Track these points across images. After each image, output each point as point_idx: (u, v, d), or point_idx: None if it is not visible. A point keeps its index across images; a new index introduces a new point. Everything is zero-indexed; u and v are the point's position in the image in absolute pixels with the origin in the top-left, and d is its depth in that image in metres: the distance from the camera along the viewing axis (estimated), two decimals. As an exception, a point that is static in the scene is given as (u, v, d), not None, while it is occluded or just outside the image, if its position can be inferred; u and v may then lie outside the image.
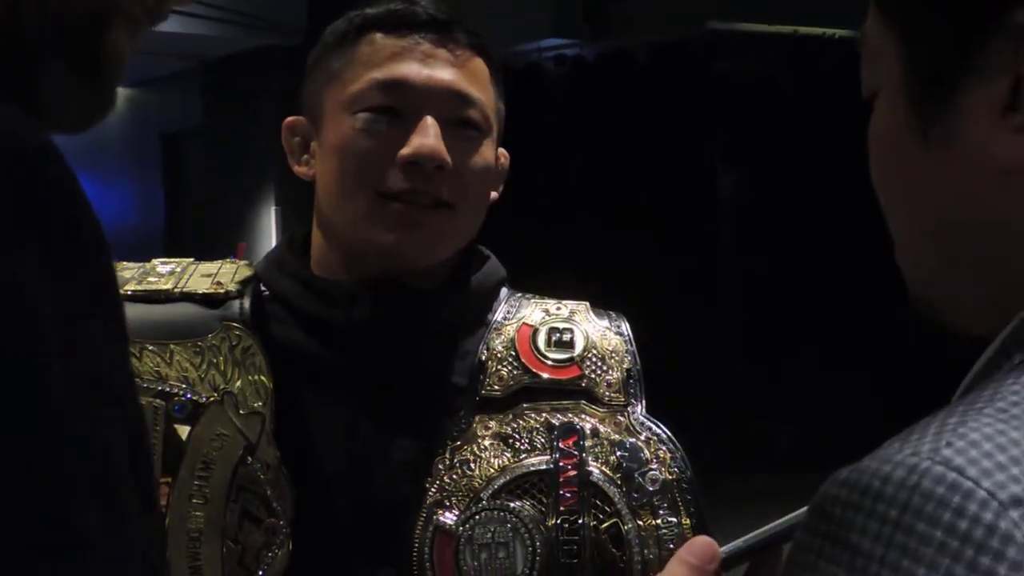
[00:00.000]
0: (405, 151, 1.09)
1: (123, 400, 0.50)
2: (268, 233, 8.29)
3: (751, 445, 7.16)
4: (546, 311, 1.18)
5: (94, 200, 0.50)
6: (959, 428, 0.51)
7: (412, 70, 1.11)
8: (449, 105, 1.12)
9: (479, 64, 1.15)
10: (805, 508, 0.68)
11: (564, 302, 1.20)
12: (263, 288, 1.17)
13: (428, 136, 1.09)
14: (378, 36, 1.13)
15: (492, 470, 1.08)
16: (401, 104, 1.11)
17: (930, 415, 0.55)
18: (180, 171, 9.75)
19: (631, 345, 1.16)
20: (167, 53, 7.82)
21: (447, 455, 1.09)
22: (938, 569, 0.48)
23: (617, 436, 1.10)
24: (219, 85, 8.83)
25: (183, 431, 1.08)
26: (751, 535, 0.79)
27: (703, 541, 0.76)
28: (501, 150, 1.21)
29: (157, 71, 8.70)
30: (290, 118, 1.20)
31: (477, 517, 1.05)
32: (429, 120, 1.10)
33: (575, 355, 1.14)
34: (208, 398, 1.09)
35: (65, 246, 0.48)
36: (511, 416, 1.11)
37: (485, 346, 1.14)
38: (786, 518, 0.78)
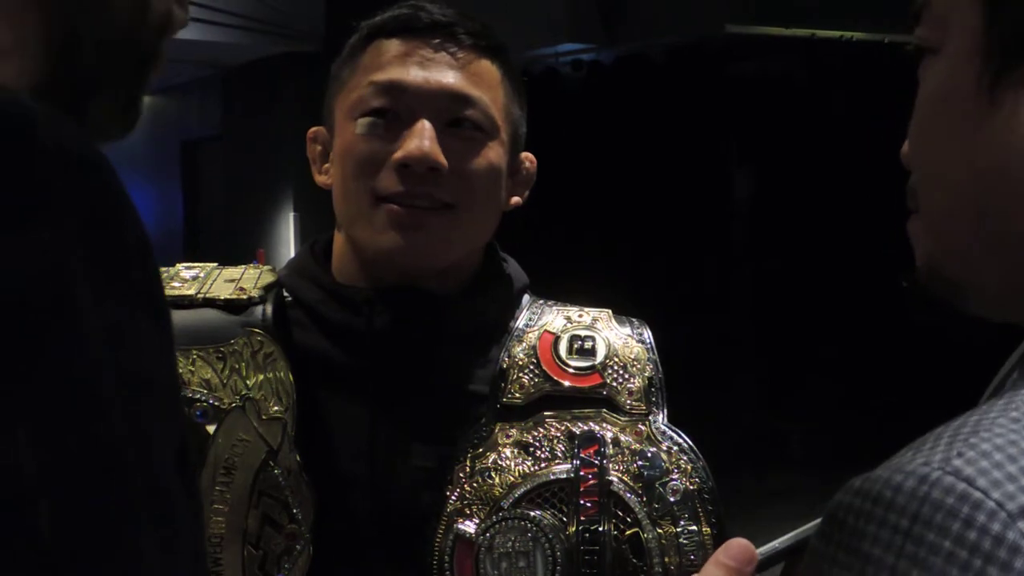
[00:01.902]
0: (397, 154, 1.10)
1: (170, 399, 0.51)
2: (286, 240, 8.31)
3: (764, 445, 7.14)
4: (568, 318, 1.18)
5: None
6: (971, 438, 0.51)
7: (410, 73, 1.12)
8: (447, 107, 1.12)
9: (484, 65, 1.15)
10: None
11: (586, 309, 1.20)
12: (285, 294, 1.17)
13: (422, 139, 1.09)
14: (383, 42, 1.14)
15: (513, 478, 1.08)
16: (398, 107, 1.12)
17: (943, 424, 0.55)
18: (199, 178, 9.79)
19: (653, 353, 1.16)
20: (186, 60, 7.85)
21: (468, 463, 1.09)
22: None
23: (638, 445, 1.10)
24: (238, 92, 8.86)
25: (205, 436, 1.08)
26: (786, 537, 0.78)
27: (740, 543, 0.76)
28: (527, 154, 1.21)
29: (176, 78, 8.75)
30: (313, 128, 1.21)
31: (498, 526, 1.05)
32: (424, 123, 1.10)
33: (597, 363, 1.13)
34: (230, 404, 1.09)
35: (113, 249, 0.49)
36: (532, 424, 1.11)
37: (507, 353, 1.14)
38: (821, 520, 0.77)
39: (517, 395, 1.12)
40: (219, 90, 9.07)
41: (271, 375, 1.10)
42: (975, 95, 0.62)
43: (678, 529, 1.07)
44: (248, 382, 1.10)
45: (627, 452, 1.09)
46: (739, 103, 7.43)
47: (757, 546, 0.78)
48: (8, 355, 0.44)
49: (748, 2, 6.82)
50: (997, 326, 0.65)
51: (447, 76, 1.12)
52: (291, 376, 1.10)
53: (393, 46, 1.14)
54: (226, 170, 9.26)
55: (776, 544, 0.78)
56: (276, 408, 1.09)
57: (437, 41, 1.13)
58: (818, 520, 0.77)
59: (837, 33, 6.98)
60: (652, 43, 7.26)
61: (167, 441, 0.49)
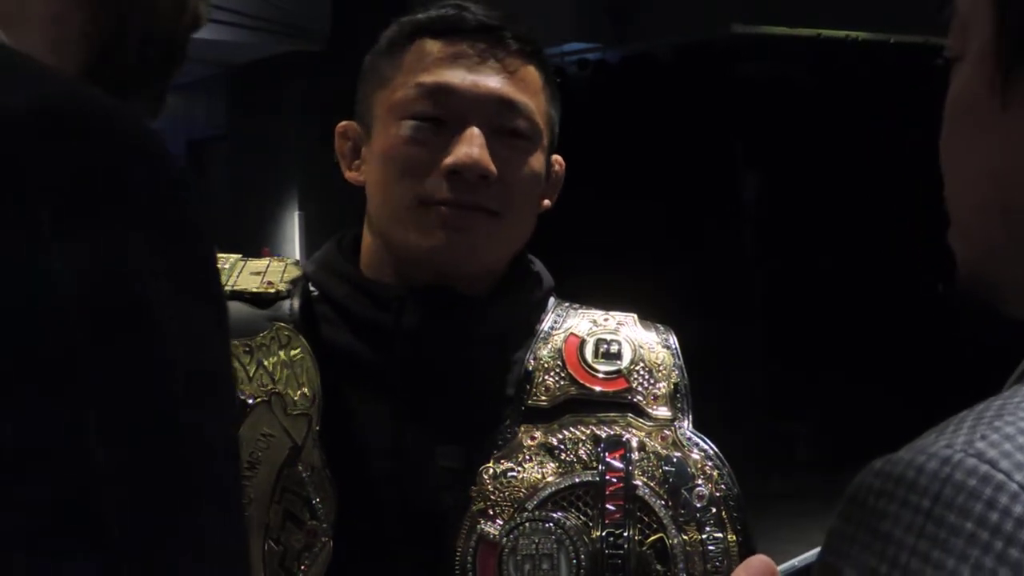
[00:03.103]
0: (448, 160, 1.09)
1: (229, 395, 0.52)
2: (291, 239, 8.31)
3: (770, 447, 7.14)
4: (593, 322, 1.18)
5: None
6: (995, 422, 0.52)
7: (458, 77, 1.11)
8: (496, 114, 1.11)
9: (530, 71, 1.14)
10: None
11: (611, 313, 1.20)
12: (312, 288, 1.17)
13: (472, 146, 1.08)
14: (428, 42, 1.13)
15: (537, 480, 1.08)
16: (447, 111, 1.10)
17: (968, 408, 0.55)
18: (205, 177, 9.79)
19: (679, 359, 1.16)
20: (193, 60, 7.81)
21: (492, 464, 1.09)
22: (967, 560, 0.48)
23: (664, 451, 1.10)
24: (244, 92, 8.86)
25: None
26: (806, 555, 0.80)
27: (761, 561, 0.77)
28: (556, 156, 1.21)
29: (183, 78, 8.71)
30: (343, 123, 1.20)
31: (521, 528, 1.05)
32: (474, 130, 1.09)
33: (623, 367, 1.14)
34: (256, 398, 1.09)
35: (185, 247, 0.49)
36: (557, 427, 1.11)
37: (532, 356, 1.14)
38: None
39: (543, 397, 1.12)
40: (225, 89, 9.07)
41: (297, 370, 1.10)
42: (989, 98, 0.63)
43: (703, 536, 1.07)
44: (274, 377, 1.09)
45: (653, 457, 1.09)
46: (745, 103, 7.42)
47: (773, 553, 0.79)
48: (84, 347, 0.44)
49: (754, 2, 6.82)
50: (1011, 330, 0.65)
51: (495, 81, 1.11)
52: (317, 372, 1.09)
53: (438, 47, 1.12)
54: (232, 169, 9.27)
55: (796, 562, 0.79)
56: (302, 404, 1.08)
57: (484, 45, 1.12)
58: None
59: (843, 33, 6.98)
60: (658, 43, 7.26)
61: (226, 436, 0.50)
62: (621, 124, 7.46)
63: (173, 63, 0.65)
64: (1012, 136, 0.62)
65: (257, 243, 8.09)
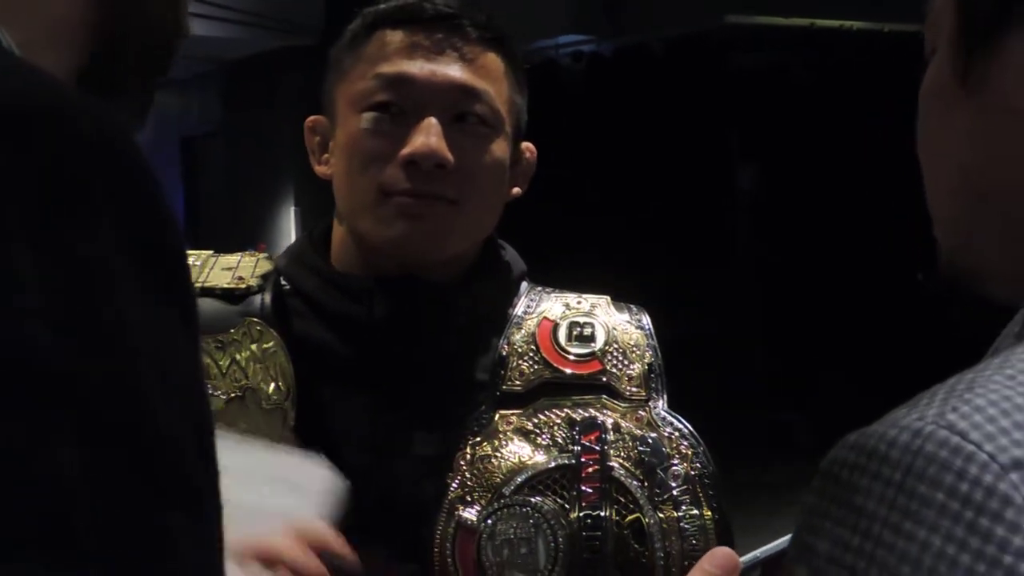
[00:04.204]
0: (405, 151, 1.09)
1: (200, 397, 0.51)
2: (287, 234, 8.31)
3: (766, 436, 7.15)
4: (567, 305, 1.18)
5: None
6: (965, 394, 0.52)
7: (416, 66, 1.11)
8: (454, 102, 1.11)
9: (491, 58, 1.14)
10: None
11: (584, 296, 1.20)
12: (284, 283, 1.17)
13: (429, 135, 1.09)
14: (387, 32, 1.13)
15: (513, 465, 1.08)
16: (405, 101, 1.11)
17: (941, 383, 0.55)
18: (200, 173, 9.79)
19: (652, 339, 1.16)
20: (186, 56, 7.81)
21: (468, 450, 1.09)
22: (939, 531, 0.48)
23: (639, 431, 1.10)
24: (238, 87, 8.86)
25: None
26: (768, 546, 0.82)
27: (724, 551, 0.80)
28: (527, 144, 1.20)
29: (176, 74, 8.72)
30: (312, 118, 1.20)
31: (499, 512, 1.05)
32: (431, 119, 1.09)
33: (596, 349, 1.14)
34: (230, 394, 1.09)
35: (152, 248, 0.49)
36: (532, 411, 1.11)
37: (506, 341, 1.14)
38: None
39: (517, 382, 1.12)
40: (219, 85, 9.07)
41: (270, 364, 1.10)
42: (955, 86, 0.64)
43: (679, 514, 1.07)
44: (247, 372, 1.10)
45: (628, 438, 1.09)
46: (739, 93, 7.43)
47: (757, 538, 0.80)
48: (47, 347, 0.44)
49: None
50: (1003, 318, 0.65)
51: (454, 70, 1.11)
52: (290, 365, 1.10)
53: (398, 37, 1.12)
54: (227, 165, 9.27)
55: (758, 552, 0.81)
56: (276, 398, 1.09)
57: (442, 34, 1.12)
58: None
59: (837, 22, 6.98)
60: (652, 34, 7.26)
61: (198, 439, 0.50)
62: (615, 116, 7.46)
63: (163, 71, 0.66)
64: (976, 122, 0.63)
65: (253, 239, 8.09)
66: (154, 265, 0.49)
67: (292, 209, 8.33)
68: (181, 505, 0.47)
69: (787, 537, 0.80)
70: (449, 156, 1.09)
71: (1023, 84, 0.60)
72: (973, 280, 0.67)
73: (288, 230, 8.33)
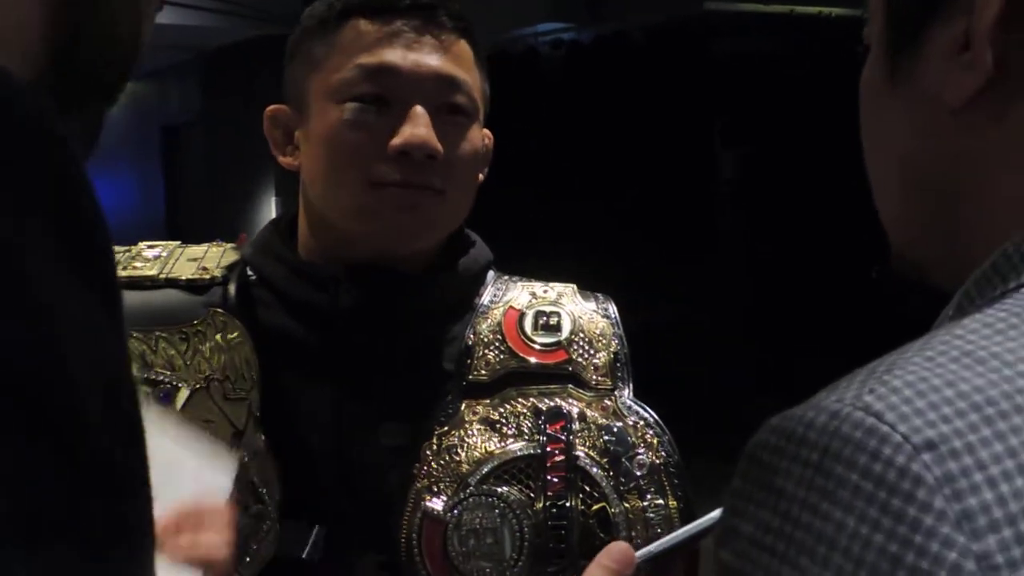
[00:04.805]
0: (396, 141, 1.08)
1: (123, 383, 0.51)
2: (268, 223, 8.30)
3: (750, 427, 7.18)
4: (533, 294, 1.18)
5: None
6: (884, 376, 0.53)
7: (398, 56, 1.09)
8: (438, 91, 1.10)
9: (463, 47, 1.13)
10: (718, 511, 0.71)
11: (551, 285, 1.19)
12: (250, 272, 1.16)
13: (419, 126, 1.08)
14: (361, 22, 1.11)
15: (479, 455, 1.08)
16: (389, 92, 1.09)
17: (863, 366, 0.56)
18: (180, 163, 9.76)
19: (618, 328, 1.15)
20: (165, 46, 7.82)
21: (434, 440, 1.09)
22: (853, 511, 0.49)
23: (604, 420, 1.10)
24: (217, 76, 8.83)
25: None
26: (664, 539, 0.84)
27: (621, 547, 0.81)
28: (485, 131, 1.20)
29: (156, 64, 8.70)
30: (272, 107, 1.18)
31: (465, 503, 1.05)
32: (419, 109, 1.08)
33: (562, 339, 1.13)
34: (194, 385, 1.08)
35: (69, 229, 0.49)
36: (498, 401, 1.11)
37: (472, 330, 1.14)
38: (699, 521, 0.83)
39: (483, 372, 1.12)
40: (198, 74, 9.04)
41: (234, 355, 1.09)
42: (884, 80, 0.66)
43: (645, 503, 1.07)
44: (212, 363, 1.09)
45: (593, 427, 1.09)
46: (719, 80, 7.43)
47: None
48: None
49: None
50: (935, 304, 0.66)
51: (435, 59, 1.10)
52: (255, 355, 1.09)
53: (374, 26, 1.11)
54: (207, 154, 9.24)
55: (654, 546, 0.84)
56: (240, 388, 1.08)
57: (419, 23, 1.11)
58: (695, 523, 0.83)
59: (816, 9, 6.98)
60: (631, 22, 7.26)
61: (117, 426, 0.49)
62: (595, 104, 7.46)
63: (123, 80, 0.65)
64: (905, 114, 0.64)
65: (234, 228, 8.07)
66: (82, 255, 0.49)
67: (273, 199, 8.31)
68: (111, 492, 0.47)
69: (684, 528, 0.83)
70: (439, 147, 1.09)
71: (942, 72, 0.61)
72: (921, 272, 0.68)
73: (269, 219, 8.30)
